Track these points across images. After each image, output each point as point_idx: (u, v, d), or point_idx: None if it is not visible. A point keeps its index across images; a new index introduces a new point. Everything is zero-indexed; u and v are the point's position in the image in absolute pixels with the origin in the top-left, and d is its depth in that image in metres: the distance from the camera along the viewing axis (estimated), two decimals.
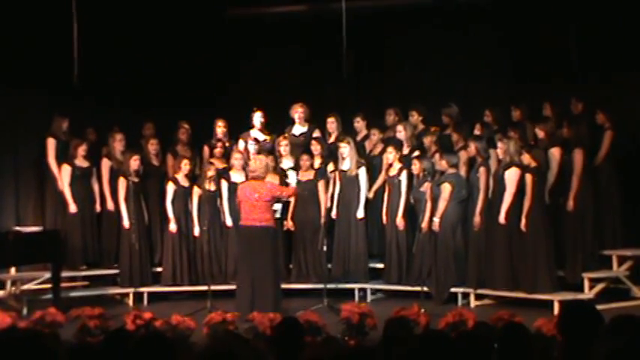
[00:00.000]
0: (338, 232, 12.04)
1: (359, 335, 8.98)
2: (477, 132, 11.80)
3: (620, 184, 11.40)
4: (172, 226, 11.99)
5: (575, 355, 3.90)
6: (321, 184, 12.02)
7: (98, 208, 12.32)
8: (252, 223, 10.53)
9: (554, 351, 5.06)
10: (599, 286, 10.86)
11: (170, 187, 12.04)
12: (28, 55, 12.26)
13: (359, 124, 12.67)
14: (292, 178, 12.08)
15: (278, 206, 10.91)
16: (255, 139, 12.30)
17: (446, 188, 11.15)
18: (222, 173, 12.05)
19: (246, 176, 11.16)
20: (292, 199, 11.89)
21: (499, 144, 10.94)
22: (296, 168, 12.19)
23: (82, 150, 12.11)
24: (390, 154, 11.78)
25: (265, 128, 12.62)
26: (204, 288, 11.36)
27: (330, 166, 12.17)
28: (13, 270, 11.81)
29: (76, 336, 8.90)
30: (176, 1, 13.50)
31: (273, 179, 11.59)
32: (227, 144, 12.56)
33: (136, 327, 8.86)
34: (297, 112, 12.57)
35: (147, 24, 13.19)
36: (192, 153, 12.64)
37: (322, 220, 11.69)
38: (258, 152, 11.92)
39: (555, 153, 10.99)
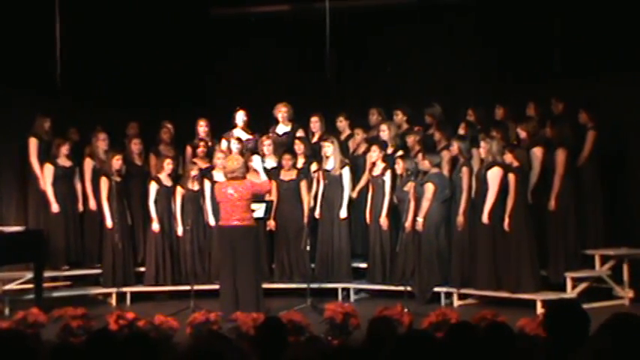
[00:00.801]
0: (321, 232, 12.03)
1: (342, 335, 8.99)
2: (461, 131, 11.81)
3: (603, 183, 11.43)
4: (155, 226, 11.97)
5: (560, 354, 3.91)
6: (303, 184, 12.02)
7: (81, 207, 12.29)
8: (234, 224, 10.50)
9: (538, 350, 5.07)
10: (582, 286, 10.90)
11: (153, 187, 12.01)
12: (10, 54, 12.20)
13: (342, 123, 12.67)
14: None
15: (260, 206, 10.89)
16: (238, 139, 12.29)
17: (429, 188, 11.16)
18: (205, 173, 12.04)
19: (225, 176, 11.11)
20: (275, 198, 11.90)
21: (482, 143, 10.96)
22: (279, 167, 12.18)
23: (64, 149, 12.07)
24: (374, 154, 11.78)
25: (248, 127, 12.61)
26: (188, 288, 11.33)
27: (314, 166, 12.16)
28: None
29: (59, 336, 8.88)
30: (159, 0, 13.46)
31: (255, 179, 11.59)
32: (209, 143, 12.55)
33: (118, 327, 8.85)
34: (281, 111, 12.56)
35: (130, 24, 13.16)
36: (175, 153, 12.61)
37: (305, 219, 11.68)
38: (241, 151, 11.91)
39: (537, 153, 11.03)
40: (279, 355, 5.05)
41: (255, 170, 11.81)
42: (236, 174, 10.63)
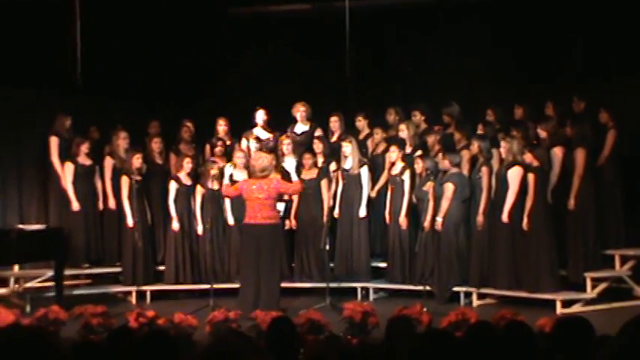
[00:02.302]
0: (340, 231, 12.04)
1: (361, 334, 8.98)
2: (479, 131, 11.79)
3: (623, 183, 11.39)
4: (175, 225, 12.00)
5: None
6: (323, 183, 12.03)
7: (101, 206, 12.34)
8: (261, 222, 10.52)
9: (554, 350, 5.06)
10: (602, 286, 10.86)
11: (172, 186, 12.05)
12: (31, 53, 12.27)
13: (360, 123, 12.67)
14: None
15: (281, 205, 10.92)
16: (257, 138, 12.32)
17: (449, 188, 11.15)
18: (224, 172, 12.06)
19: (249, 174, 11.14)
20: (295, 198, 11.94)
21: (502, 143, 10.94)
22: (299, 167, 12.20)
23: (84, 148, 12.13)
24: (393, 154, 11.78)
25: (268, 126, 12.64)
26: (207, 286, 11.36)
27: (333, 165, 12.17)
28: (16, 268, 11.84)
29: (79, 334, 8.93)
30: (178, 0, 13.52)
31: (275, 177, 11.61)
32: (228, 142, 12.58)
33: (138, 325, 8.88)
34: (299, 111, 12.58)
35: (150, 23, 13.21)
36: (195, 151, 12.65)
37: (325, 218, 11.69)
38: (260, 150, 11.93)
39: (557, 152, 10.99)
40: (293, 355, 5.07)
41: (282, 170, 11.84)
42: (266, 172, 10.66)
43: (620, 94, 11.61)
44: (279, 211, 10.79)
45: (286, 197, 11.33)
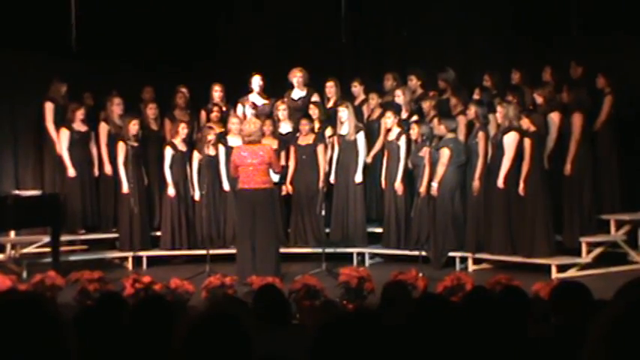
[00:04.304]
0: (336, 197, 12.05)
1: (357, 299, 9.02)
2: (476, 96, 11.75)
3: (620, 148, 11.38)
4: (170, 191, 12.00)
5: (570, 333, 3.92)
6: (320, 149, 12.01)
7: (96, 172, 12.34)
8: (256, 186, 10.49)
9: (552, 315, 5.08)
10: (597, 251, 10.89)
11: (168, 152, 12.03)
12: (26, 18, 12.20)
13: (356, 88, 12.64)
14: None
15: (275, 177, 10.89)
16: (254, 104, 12.28)
17: (444, 153, 11.14)
18: (220, 138, 12.05)
19: (243, 140, 11.11)
20: (292, 164, 11.94)
21: (498, 108, 10.91)
22: (294, 132, 12.18)
23: (79, 114, 12.10)
24: (389, 119, 11.76)
25: (264, 92, 12.60)
26: (203, 252, 11.38)
27: (329, 131, 12.15)
28: (12, 234, 11.85)
29: (76, 299, 8.95)
30: None
31: (272, 143, 11.59)
32: (224, 108, 12.55)
33: (135, 290, 8.90)
34: (296, 76, 12.53)
35: None
36: (190, 117, 12.63)
37: (321, 184, 11.69)
38: (257, 116, 11.91)
39: (554, 118, 10.97)
40: (282, 321, 5.09)
41: (271, 135, 11.82)
42: (253, 137, 10.62)
43: (617, 58, 11.55)
44: (274, 182, 10.76)
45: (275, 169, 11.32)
